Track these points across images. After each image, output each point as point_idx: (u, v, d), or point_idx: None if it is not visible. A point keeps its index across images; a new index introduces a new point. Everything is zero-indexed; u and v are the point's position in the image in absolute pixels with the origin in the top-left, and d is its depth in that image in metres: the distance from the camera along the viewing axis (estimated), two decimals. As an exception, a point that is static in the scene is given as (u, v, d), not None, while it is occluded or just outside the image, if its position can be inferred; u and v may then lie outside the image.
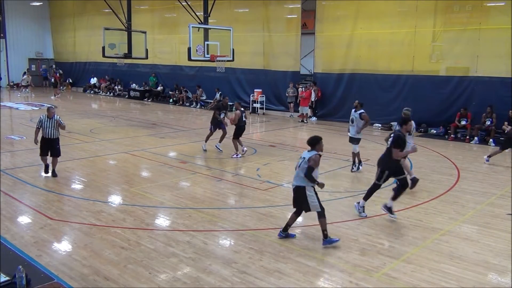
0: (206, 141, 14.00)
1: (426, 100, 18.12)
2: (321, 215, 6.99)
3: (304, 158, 7.11)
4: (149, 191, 9.89)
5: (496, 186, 10.52)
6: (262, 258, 6.60)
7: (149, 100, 29.08)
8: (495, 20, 16.76)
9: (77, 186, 10.36)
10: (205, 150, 13.85)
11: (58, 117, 10.57)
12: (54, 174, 10.75)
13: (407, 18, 18.57)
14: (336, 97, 21.03)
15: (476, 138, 16.29)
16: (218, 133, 13.90)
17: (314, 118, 21.55)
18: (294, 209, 7.31)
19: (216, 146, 13.89)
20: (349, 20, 20.23)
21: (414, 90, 18.54)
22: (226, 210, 8.78)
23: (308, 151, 7.20)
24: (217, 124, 13.79)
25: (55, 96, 30.17)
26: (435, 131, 17.86)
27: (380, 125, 19.28)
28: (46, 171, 10.87)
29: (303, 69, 22.80)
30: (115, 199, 9.46)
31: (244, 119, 13.24)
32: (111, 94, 32.28)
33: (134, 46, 20.18)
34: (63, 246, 6.98)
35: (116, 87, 32.31)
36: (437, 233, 7.65)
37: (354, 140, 11.83)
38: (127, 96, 30.84)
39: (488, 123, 16.22)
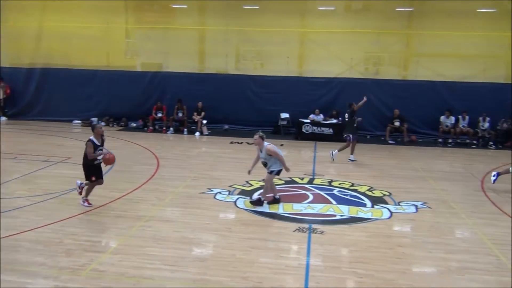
0: None
1: (124, 95, 18.61)
2: None
3: None
4: None
5: (189, 170, 11.75)
6: None
7: None
8: (181, 21, 18.56)
9: None
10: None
11: None
12: None
13: (99, 13, 18.55)
14: (28, 94, 19.33)
15: (171, 128, 17.74)
16: None
17: (3, 118, 19.21)
18: None
19: None
20: (36, 11, 18.84)
21: (111, 85, 18.76)
22: None
23: None
24: None
25: None
26: (135, 124, 18.55)
27: (80, 121, 18.76)
28: None
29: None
30: None
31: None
32: None
33: None
34: None
35: None
36: (141, 220, 8.03)
37: None
38: None
39: (180, 114, 17.85)
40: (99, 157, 8.42)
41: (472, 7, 17.08)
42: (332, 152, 13.28)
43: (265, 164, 8.87)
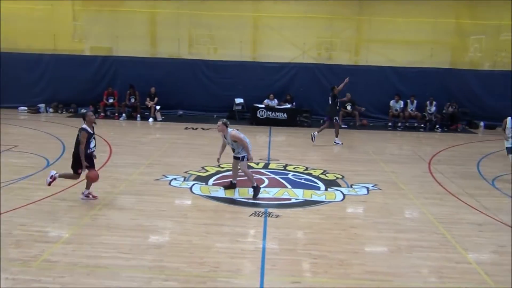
0: None
1: (73, 80, 17.96)
2: None
3: None
4: None
5: (143, 157, 11.55)
6: None
7: None
8: (131, 4, 18.01)
9: None
10: None
11: None
12: None
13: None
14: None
15: (123, 114, 17.34)
16: None
17: None
18: None
19: None
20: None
21: (59, 70, 18.04)
22: None
23: None
24: None
25: None
26: (85, 111, 17.91)
27: (26, 108, 17.98)
28: None
29: None
30: None
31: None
32: None
33: None
34: None
35: None
36: (94, 209, 7.85)
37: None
38: None
39: (132, 100, 17.44)
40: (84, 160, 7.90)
41: (420, -5, 17.61)
42: (335, 141, 13.85)
43: (233, 150, 8.83)
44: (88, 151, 8.04)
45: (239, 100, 18.18)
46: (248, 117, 17.75)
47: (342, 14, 18.02)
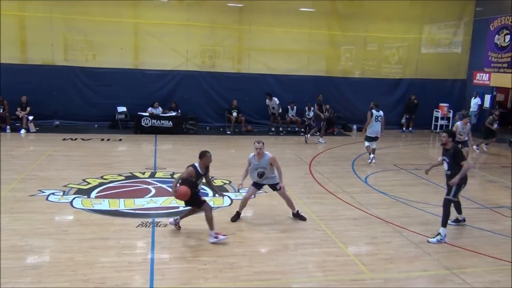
0: None
1: None
2: None
3: None
4: None
5: (15, 172, 10.58)
6: None
7: None
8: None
9: None
10: None
11: None
12: None
13: None
14: None
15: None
16: None
17: None
18: None
19: None
20: None
21: None
22: None
23: None
24: None
25: None
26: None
27: None
28: None
29: None
30: None
31: None
32: None
33: None
34: None
35: None
36: (-43, 232, 7.02)
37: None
38: None
39: (0, 110, 15.91)
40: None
41: (295, 6, 18.60)
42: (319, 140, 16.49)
43: (261, 174, 8.14)
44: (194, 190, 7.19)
45: (121, 109, 17.55)
46: (132, 126, 17.18)
47: (223, 23, 18.32)
